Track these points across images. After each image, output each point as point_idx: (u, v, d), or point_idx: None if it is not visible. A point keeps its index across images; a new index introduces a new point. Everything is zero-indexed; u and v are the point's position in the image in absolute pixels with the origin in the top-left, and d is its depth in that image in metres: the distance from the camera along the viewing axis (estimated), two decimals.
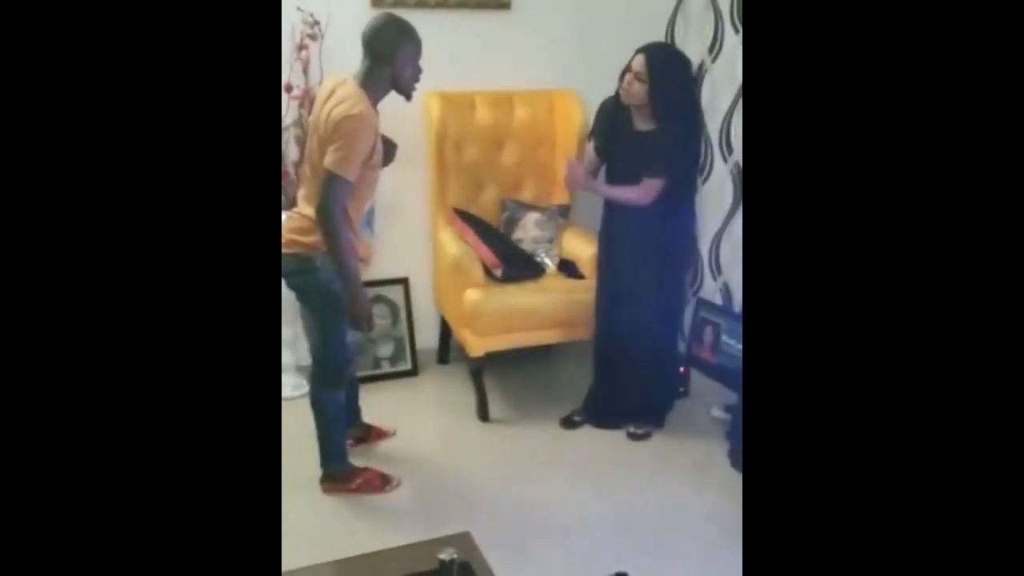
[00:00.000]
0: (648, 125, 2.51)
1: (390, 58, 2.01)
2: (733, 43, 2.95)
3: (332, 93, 2.05)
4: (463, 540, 1.55)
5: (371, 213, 2.22)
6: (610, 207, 2.65)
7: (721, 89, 2.98)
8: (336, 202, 1.97)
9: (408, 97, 2.12)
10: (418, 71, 2.09)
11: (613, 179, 2.62)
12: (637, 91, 2.44)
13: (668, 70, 2.44)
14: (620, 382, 2.69)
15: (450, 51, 2.91)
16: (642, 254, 2.57)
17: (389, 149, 2.21)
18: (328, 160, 1.96)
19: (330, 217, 1.97)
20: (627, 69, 2.48)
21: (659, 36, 3.20)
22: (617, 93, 2.55)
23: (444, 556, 1.39)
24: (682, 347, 3.05)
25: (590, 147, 2.69)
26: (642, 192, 2.49)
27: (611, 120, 2.58)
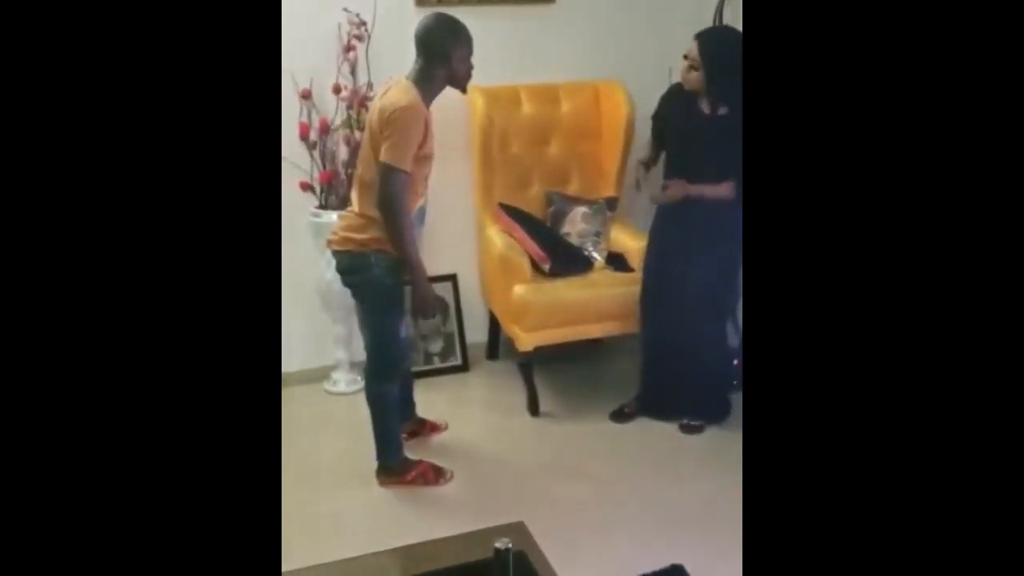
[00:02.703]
0: (712, 109, 2.49)
1: (444, 56, 2.06)
2: None
3: (385, 92, 2.09)
4: (518, 529, 1.56)
5: (423, 211, 2.25)
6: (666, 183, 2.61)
7: None
8: (396, 193, 2.01)
9: (464, 90, 2.17)
10: (470, 67, 2.14)
11: (674, 166, 2.58)
12: (694, 79, 2.44)
13: (722, 54, 2.40)
14: (672, 374, 2.67)
15: (494, 46, 2.91)
16: (695, 242, 2.52)
17: (430, 300, 2.19)
18: (383, 154, 2.00)
19: (392, 209, 2.02)
20: (685, 56, 2.47)
21: (706, 22, 3.15)
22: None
23: (499, 545, 1.40)
24: (736, 340, 2.99)
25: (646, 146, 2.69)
26: (732, 188, 2.47)
27: (675, 104, 2.56)
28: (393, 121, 1.98)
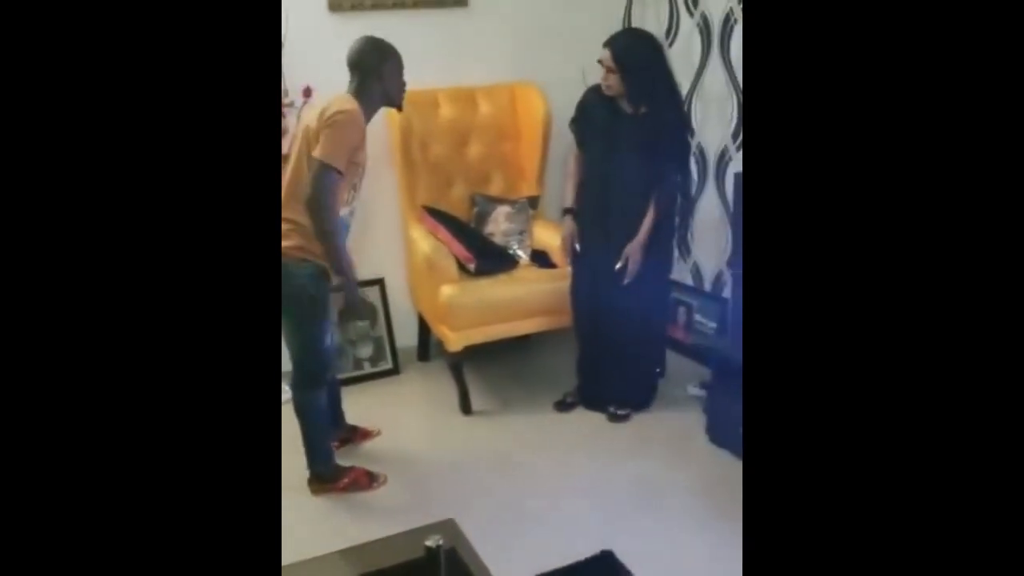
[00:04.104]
0: (634, 109, 2.55)
1: (376, 72, 2.12)
2: (689, 27, 3.00)
3: (328, 105, 2.09)
4: (448, 527, 1.59)
5: (346, 222, 2.22)
6: (589, 183, 2.67)
7: (678, 73, 3.02)
8: (327, 192, 2.01)
9: (400, 107, 2.24)
10: (403, 84, 2.21)
11: (595, 164, 2.63)
12: (613, 82, 2.50)
13: (635, 56, 2.48)
14: (604, 366, 2.74)
15: (410, 50, 2.89)
16: (621, 240, 2.58)
17: (359, 301, 2.28)
18: (318, 150, 2.01)
19: (322, 208, 2.01)
20: (600, 61, 2.53)
21: (616, 23, 3.25)
22: (598, 83, 2.61)
23: (430, 543, 1.42)
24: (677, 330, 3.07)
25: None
26: (656, 212, 2.56)
27: (593, 107, 2.61)
28: (334, 122, 2.01)
